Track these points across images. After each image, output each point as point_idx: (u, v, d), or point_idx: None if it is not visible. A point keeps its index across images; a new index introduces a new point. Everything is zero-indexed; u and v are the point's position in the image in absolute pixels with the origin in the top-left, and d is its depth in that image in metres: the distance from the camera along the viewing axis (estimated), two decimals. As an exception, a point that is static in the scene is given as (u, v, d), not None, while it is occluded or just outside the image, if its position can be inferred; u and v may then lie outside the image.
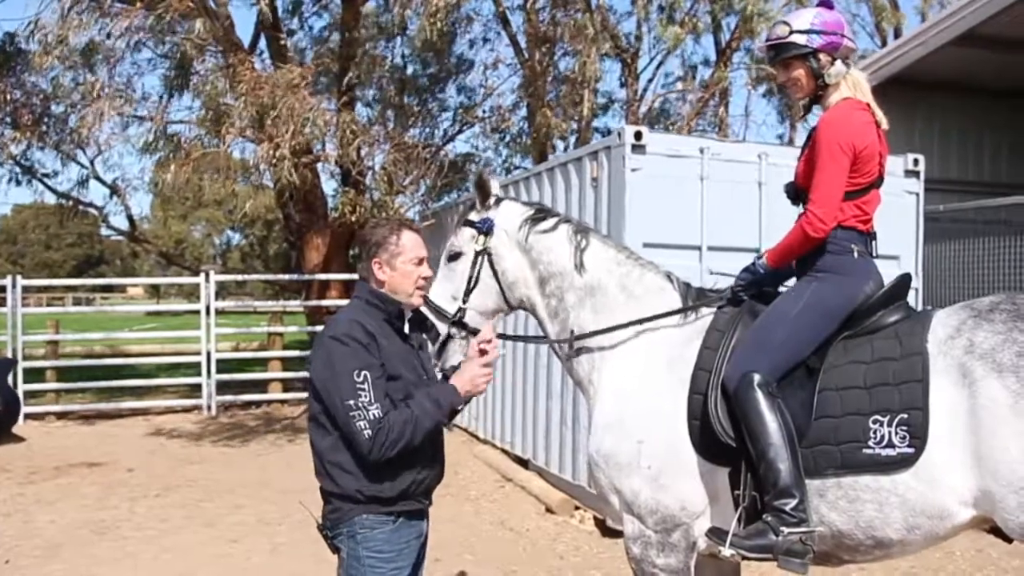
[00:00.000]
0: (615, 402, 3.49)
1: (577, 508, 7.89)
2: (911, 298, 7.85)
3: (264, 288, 36.87)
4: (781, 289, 3.58)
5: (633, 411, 3.42)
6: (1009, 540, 3.07)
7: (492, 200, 3.73)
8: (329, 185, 15.70)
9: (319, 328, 3.32)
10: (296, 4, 14.58)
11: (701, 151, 7.25)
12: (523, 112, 16.11)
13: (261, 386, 14.44)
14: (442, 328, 3.57)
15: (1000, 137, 11.29)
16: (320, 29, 16.12)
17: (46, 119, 13.42)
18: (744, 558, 3.15)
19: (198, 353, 13.73)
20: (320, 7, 15.31)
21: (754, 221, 7.23)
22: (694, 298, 3.60)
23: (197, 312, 13.73)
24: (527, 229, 3.67)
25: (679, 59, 17.02)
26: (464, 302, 3.62)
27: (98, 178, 15.43)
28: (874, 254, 3.44)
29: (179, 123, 12.11)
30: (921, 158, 7.90)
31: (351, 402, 2.91)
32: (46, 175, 15.40)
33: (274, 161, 9.98)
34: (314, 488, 3.25)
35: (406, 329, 3.26)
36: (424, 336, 3.45)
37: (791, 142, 18.83)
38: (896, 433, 3.02)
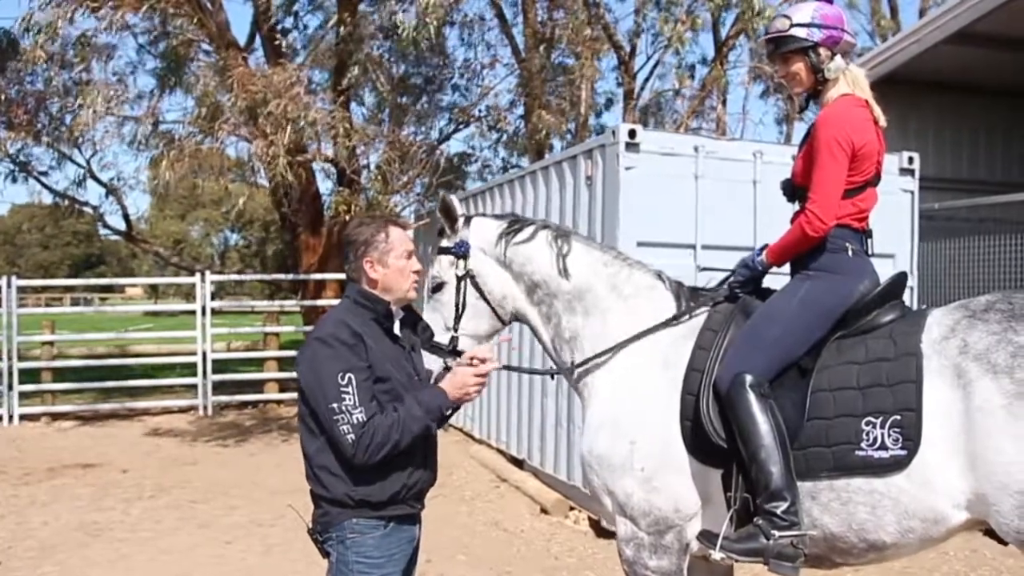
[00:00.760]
0: (608, 403, 3.46)
1: (572, 509, 7.87)
2: (906, 297, 7.89)
3: (262, 288, 36.84)
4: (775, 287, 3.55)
5: (626, 412, 3.39)
6: (1004, 542, 3.04)
7: (461, 221, 3.67)
8: (325, 185, 15.70)
9: (315, 328, 3.30)
10: (291, 2, 14.50)
11: (695, 149, 7.22)
12: (520, 111, 16.09)
13: (257, 386, 14.42)
14: (437, 364, 3.50)
15: (996, 135, 11.26)
16: (316, 27, 16.09)
17: (40, 117, 13.39)
18: (735, 561, 3.12)
19: (194, 353, 13.72)
20: (315, 6, 15.27)
21: (749, 219, 7.19)
22: (687, 296, 3.56)
23: (194, 312, 13.70)
24: (504, 243, 3.62)
25: (676, 57, 16.95)
26: (456, 330, 3.58)
27: (94, 177, 15.37)
28: (870, 252, 3.41)
29: (174, 122, 12.10)
30: (916, 156, 7.89)
31: (334, 405, 2.88)
32: (43, 173, 15.38)
33: (268, 159, 9.95)
34: (307, 489, 3.21)
35: (396, 329, 3.21)
36: (416, 337, 3.41)
37: (788, 139, 18.84)
38: (889, 435, 2.99)
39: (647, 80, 19.02)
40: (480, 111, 15.69)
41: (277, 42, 12.35)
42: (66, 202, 15.37)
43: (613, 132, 7.16)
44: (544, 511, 8.04)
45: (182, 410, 13.79)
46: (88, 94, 10.61)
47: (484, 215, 3.88)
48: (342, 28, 11.86)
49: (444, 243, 3.67)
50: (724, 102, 18.03)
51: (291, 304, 15.51)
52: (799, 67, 3.38)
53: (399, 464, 3.02)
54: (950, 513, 2.99)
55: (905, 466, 2.97)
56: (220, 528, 7.52)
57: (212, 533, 7.37)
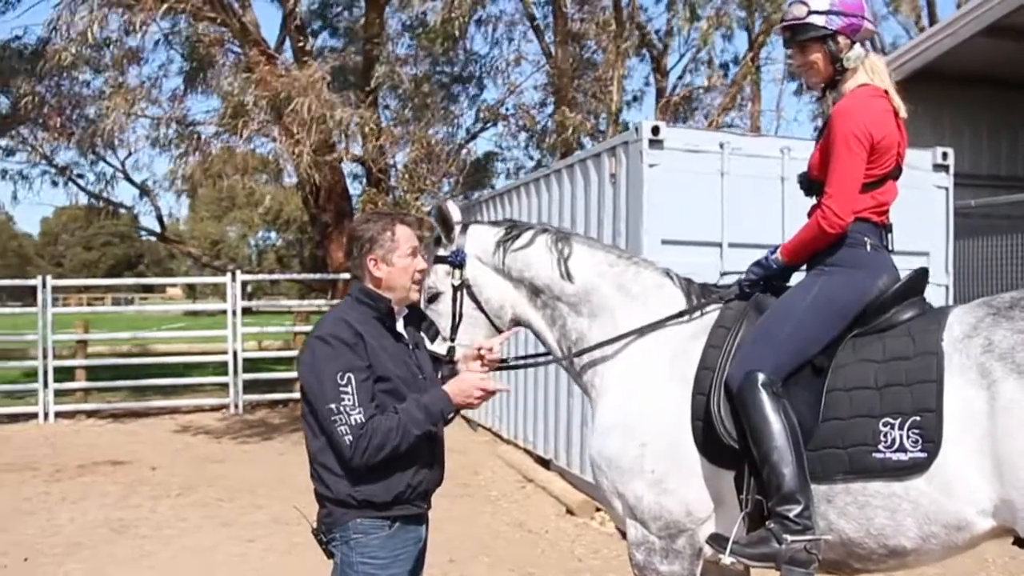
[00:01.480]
0: (617, 403, 3.36)
1: (598, 510, 7.77)
2: (941, 295, 7.69)
3: (296, 288, 37.17)
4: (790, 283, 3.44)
5: (636, 413, 3.29)
6: None
7: (458, 229, 3.59)
8: (357, 185, 15.75)
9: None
10: (323, 5, 14.57)
11: (721, 146, 7.11)
12: (549, 110, 16.01)
13: (287, 385, 14.50)
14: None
15: (1034, 131, 11.00)
16: (345, 29, 16.12)
17: (76, 120, 13.59)
18: (746, 566, 3.02)
19: (225, 352, 13.84)
20: (344, 6, 15.31)
21: (776, 217, 7.05)
22: (697, 294, 3.45)
23: (235, 311, 13.81)
24: (502, 251, 3.54)
25: (707, 55, 16.77)
26: (453, 340, 3.51)
27: (128, 178, 15.61)
28: (890, 247, 3.29)
29: (201, 123, 12.19)
30: (950, 152, 7.70)
31: (332, 406, 2.84)
32: (79, 176, 15.64)
33: (295, 158, 9.98)
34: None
35: (399, 327, 3.16)
36: (421, 334, 3.36)
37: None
38: (908, 436, 2.87)
39: (680, 78, 18.89)
40: (507, 109, 15.66)
41: (301, 43, 12.38)
42: (101, 203, 15.59)
43: (636, 129, 7.07)
44: (570, 512, 7.96)
45: (213, 408, 13.92)
46: (116, 96, 10.72)
47: (480, 222, 3.79)
48: (368, 28, 11.87)
49: (440, 252, 3.60)
50: (757, 99, 17.81)
51: (323, 303, 15.58)
52: (817, 56, 3.26)
53: (403, 464, 2.97)
54: (974, 520, 2.86)
55: (925, 469, 2.85)
56: (244, 526, 7.53)
57: (236, 531, 7.39)
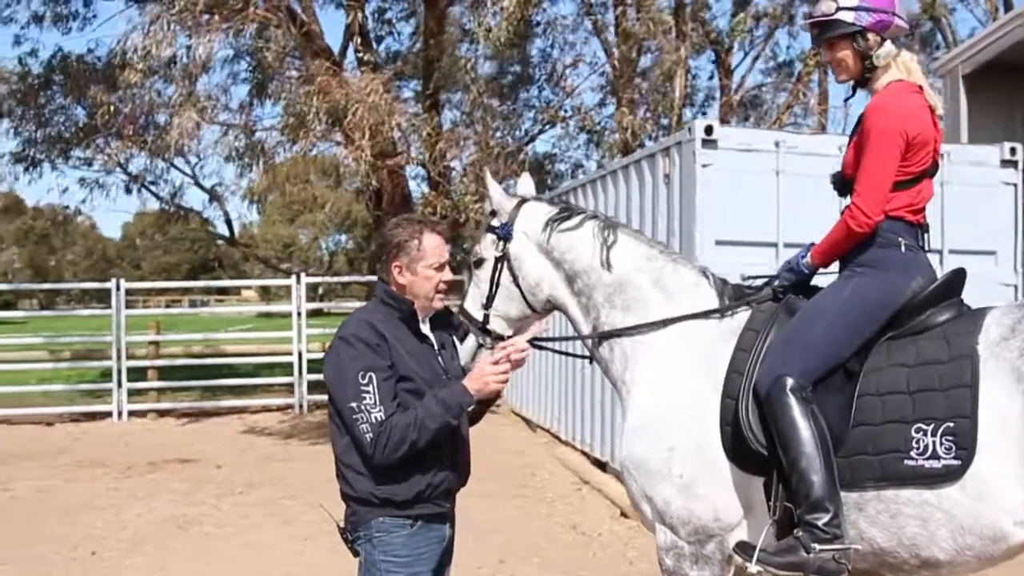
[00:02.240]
0: (646, 405, 3.32)
1: (652, 513, 7.70)
2: (1009, 295, 7.42)
3: (364, 289, 37.69)
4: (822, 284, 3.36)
5: (664, 416, 3.24)
6: None
7: (514, 202, 3.59)
8: (422, 187, 15.90)
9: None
10: (381, 11, 14.78)
11: (776, 145, 7.00)
12: (609, 111, 15.96)
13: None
14: (472, 338, 3.49)
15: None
16: (409, 35, 16.32)
17: (149, 129, 14.04)
18: (774, 575, 2.96)
19: (291, 353, 14.13)
20: (407, 13, 15.48)
21: (834, 216, 6.87)
22: (731, 295, 3.38)
23: (300, 313, 14.09)
24: (550, 230, 3.51)
25: (772, 52, 16.51)
26: (487, 308, 3.52)
27: (199, 184, 16.07)
28: (926, 248, 3.19)
29: (266, 130, 12.48)
30: (1019, 147, 7.44)
31: (354, 404, 2.89)
32: (152, 182, 16.16)
33: (356, 164, 10.14)
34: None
35: (425, 328, 3.19)
36: (450, 334, 3.38)
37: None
38: (941, 443, 2.77)
39: (744, 76, 18.62)
40: (565, 110, 15.63)
41: (360, 53, 12.56)
42: (172, 208, 16.07)
43: (690, 129, 7.02)
44: (624, 515, 7.90)
45: (279, 408, 14.23)
46: (186, 105, 11.05)
47: (540, 198, 3.77)
48: (427, 35, 11.99)
49: (492, 222, 3.63)
50: (824, 97, 17.42)
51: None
52: (846, 53, 3.18)
53: (424, 463, 2.99)
54: (1011, 530, 2.75)
55: (959, 477, 2.76)
56: (303, 524, 7.66)
57: (295, 529, 7.53)
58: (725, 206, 6.80)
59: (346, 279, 24.61)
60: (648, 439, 3.26)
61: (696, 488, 3.14)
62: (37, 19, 15.04)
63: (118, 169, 15.25)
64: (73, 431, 12.87)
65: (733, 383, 3.12)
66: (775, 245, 6.92)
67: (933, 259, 6.81)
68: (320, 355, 14.48)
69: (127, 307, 13.86)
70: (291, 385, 14.25)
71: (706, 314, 3.32)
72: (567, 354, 4.05)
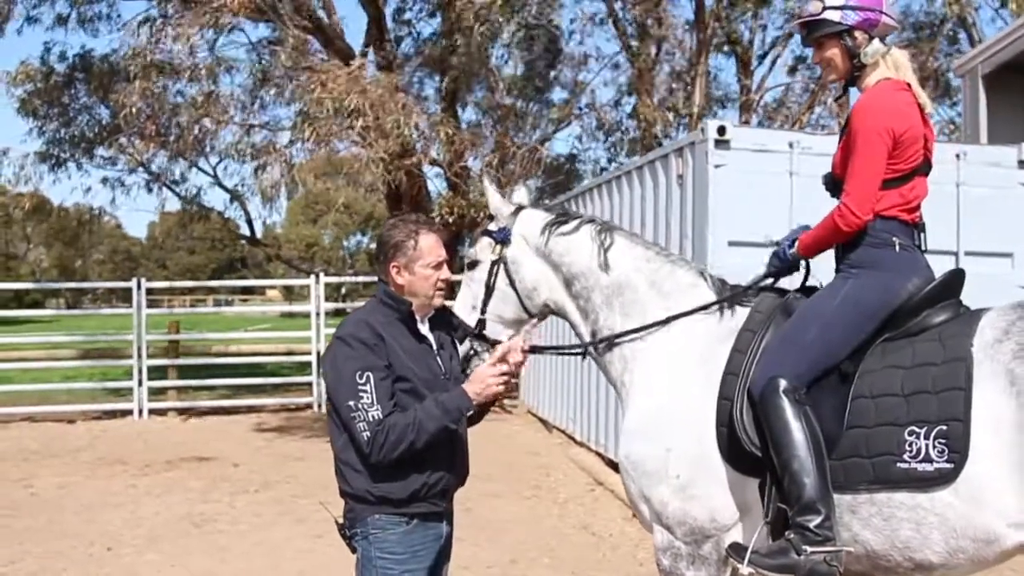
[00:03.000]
0: (644, 406, 3.33)
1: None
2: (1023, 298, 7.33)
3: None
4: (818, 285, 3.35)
5: (662, 416, 3.25)
6: None
7: (511, 209, 3.64)
8: (439, 187, 15.95)
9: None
10: (399, 11, 14.83)
11: (790, 145, 6.95)
12: (626, 109, 15.93)
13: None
14: (464, 343, 3.51)
15: None
16: (431, 34, 16.37)
17: (171, 129, 14.18)
18: (767, 577, 2.95)
19: (310, 353, 14.22)
20: (427, 14, 15.53)
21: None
22: (729, 295, 3.40)
23: (319, 313, 14.17)
24: (547, 234, 3.54)
25: (793, 53, 16.39)
26: (483, 312, 3.55)
27: (220, 184, 16.18)
28: (923, 247, 3.17)
29: (281, 129, 12.56)
30: (1036, 147, 7.35)
31: (351, 403, 2.91)
32: (175, 182, 16.30)
33: (371, 163, 10.19)
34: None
35: (423, 329, 3.20)
36: (449, 335, 3.40)
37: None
38: (934, 446, 2.76)
39: (765, 77, 18.51)
40: (581, 108, 15.63)
41: (383, 53, 12.62)
42: (193, 208, 16.21)
43: (702, 129, 7.00)
44: (636, 516, 7.89)
45: (297, 408, 14.33)
46: (207, 105, 11.16)
47: (537, 207, 3.83)
48: (448, 35, 12.04)
49: (489, 226, 3.67)
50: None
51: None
52: (833, 52, 3.18)
53: (420, 463, 3.01)
54: (1004, 533, 2.73)
55: (952, 481, 2.74)
56: (315, 523, 7.68)
57: (307, 527, 7.57)
58: (738, 207, 6.76)
59: (365, 279, 24.74)
60: (646, 440, 3.27)
61: (693, 489, 3.15)
62: (61, 20, 15.20)
63: (140, 169, 15.40)
64: (94, 428, 13.03)
65: (729, 384, 3.12)
66: (788, 246, 6.87)
67: (949, 261, 6.74)
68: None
69: (153, 306, 14.00)
70: (310, 384, 14.34)
71: (699, 310, 3.33)
72: (559, 351, 4.09)
